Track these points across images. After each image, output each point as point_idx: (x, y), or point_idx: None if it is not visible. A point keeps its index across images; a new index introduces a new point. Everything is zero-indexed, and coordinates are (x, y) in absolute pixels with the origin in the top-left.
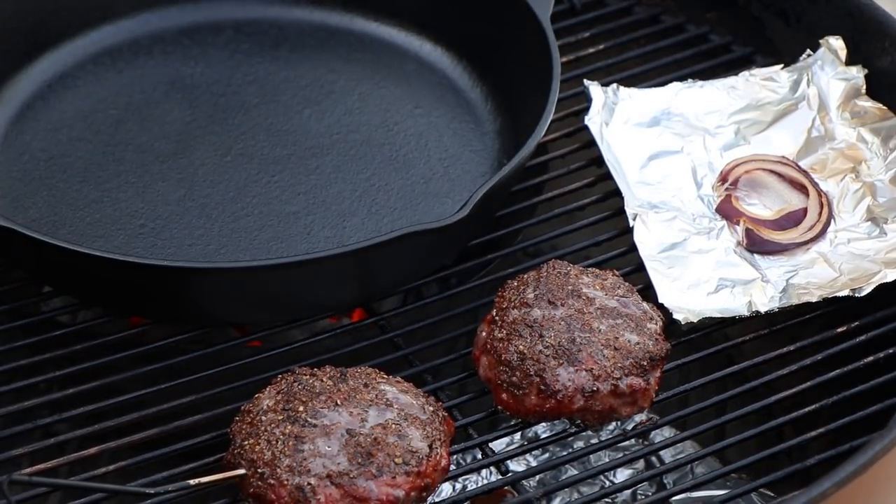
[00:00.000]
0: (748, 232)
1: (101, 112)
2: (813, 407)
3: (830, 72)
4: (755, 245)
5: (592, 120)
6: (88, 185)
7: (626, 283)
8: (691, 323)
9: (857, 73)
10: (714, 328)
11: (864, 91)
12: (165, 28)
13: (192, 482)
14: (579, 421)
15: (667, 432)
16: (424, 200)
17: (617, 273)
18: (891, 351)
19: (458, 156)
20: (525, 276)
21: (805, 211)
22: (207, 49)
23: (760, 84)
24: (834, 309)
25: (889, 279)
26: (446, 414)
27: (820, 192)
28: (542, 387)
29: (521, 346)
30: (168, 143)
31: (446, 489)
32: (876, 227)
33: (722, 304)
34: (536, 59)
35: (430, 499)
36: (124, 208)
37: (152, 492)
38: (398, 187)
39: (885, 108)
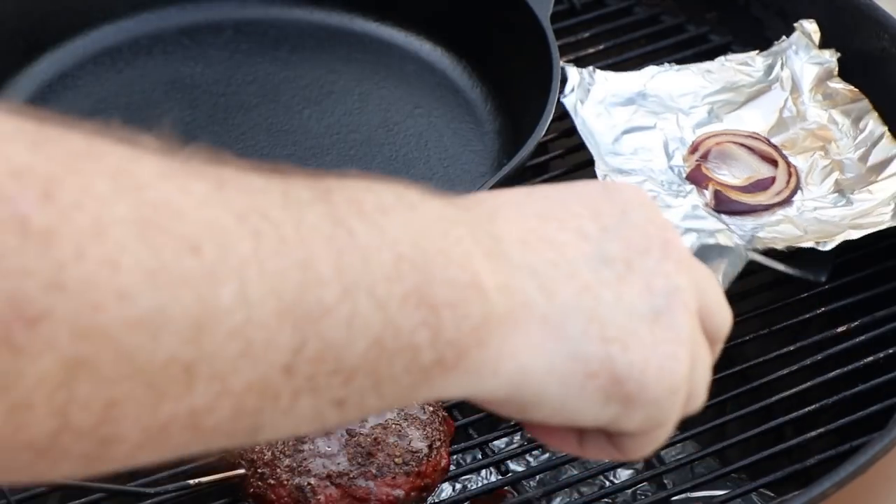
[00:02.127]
0: (716, 193)
1: (101, 112)
2: (813, 407)
3: (804, 56)
4: (722, 204)
5: (568, 98)
6: None
7: None
8: None
9: (830, 57)
10: None
11: (836, 73)
12: (165, 28)
13: (191, 482)
14: None
15: None
16: None
17: None
18: (891, 351)
19: (458, 156)
20: None
21: (773, 179)
22: (207, 49)
23: (735, 68)
24: (834, 309)
25: (853, 237)
26: (446, 414)
27: (789, 164)
28: None
29: None
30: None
31: (446, 489)
32: (843, 197)
33: (688, 244)
34: (536, 59)
35: (430, 499)
36: None
37: (152, 492)
38: None
39: (856, 89)
